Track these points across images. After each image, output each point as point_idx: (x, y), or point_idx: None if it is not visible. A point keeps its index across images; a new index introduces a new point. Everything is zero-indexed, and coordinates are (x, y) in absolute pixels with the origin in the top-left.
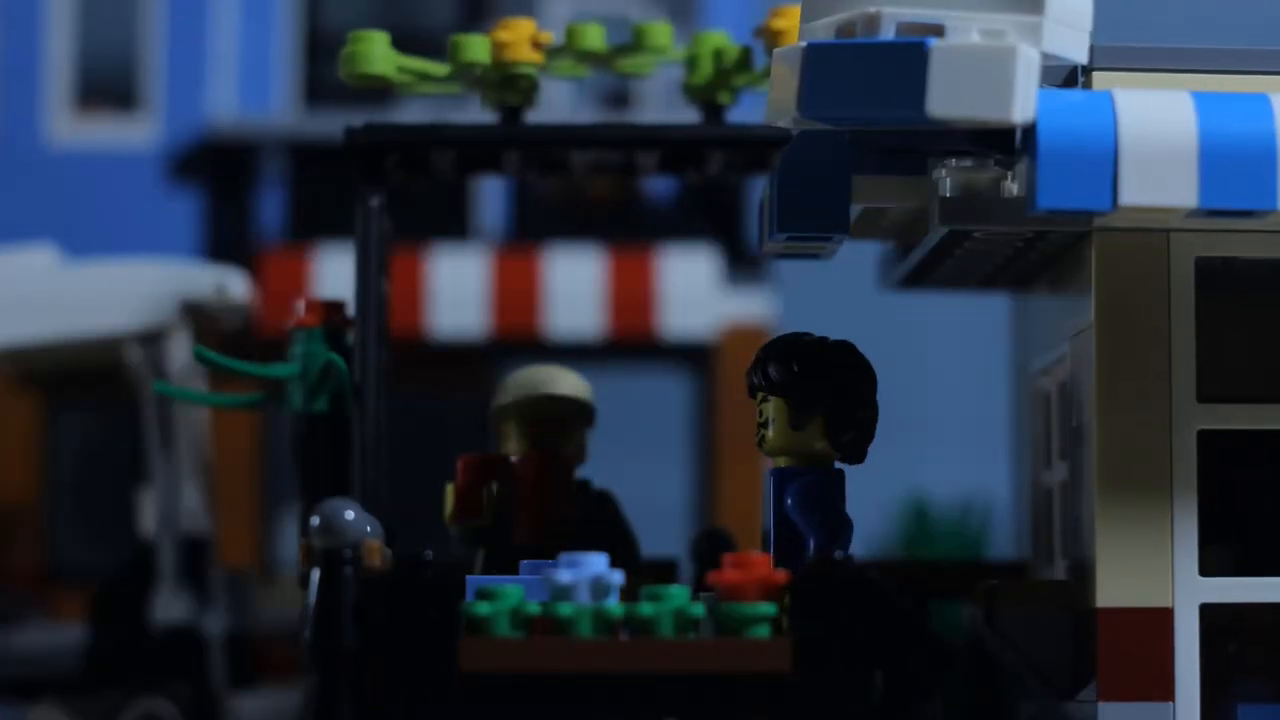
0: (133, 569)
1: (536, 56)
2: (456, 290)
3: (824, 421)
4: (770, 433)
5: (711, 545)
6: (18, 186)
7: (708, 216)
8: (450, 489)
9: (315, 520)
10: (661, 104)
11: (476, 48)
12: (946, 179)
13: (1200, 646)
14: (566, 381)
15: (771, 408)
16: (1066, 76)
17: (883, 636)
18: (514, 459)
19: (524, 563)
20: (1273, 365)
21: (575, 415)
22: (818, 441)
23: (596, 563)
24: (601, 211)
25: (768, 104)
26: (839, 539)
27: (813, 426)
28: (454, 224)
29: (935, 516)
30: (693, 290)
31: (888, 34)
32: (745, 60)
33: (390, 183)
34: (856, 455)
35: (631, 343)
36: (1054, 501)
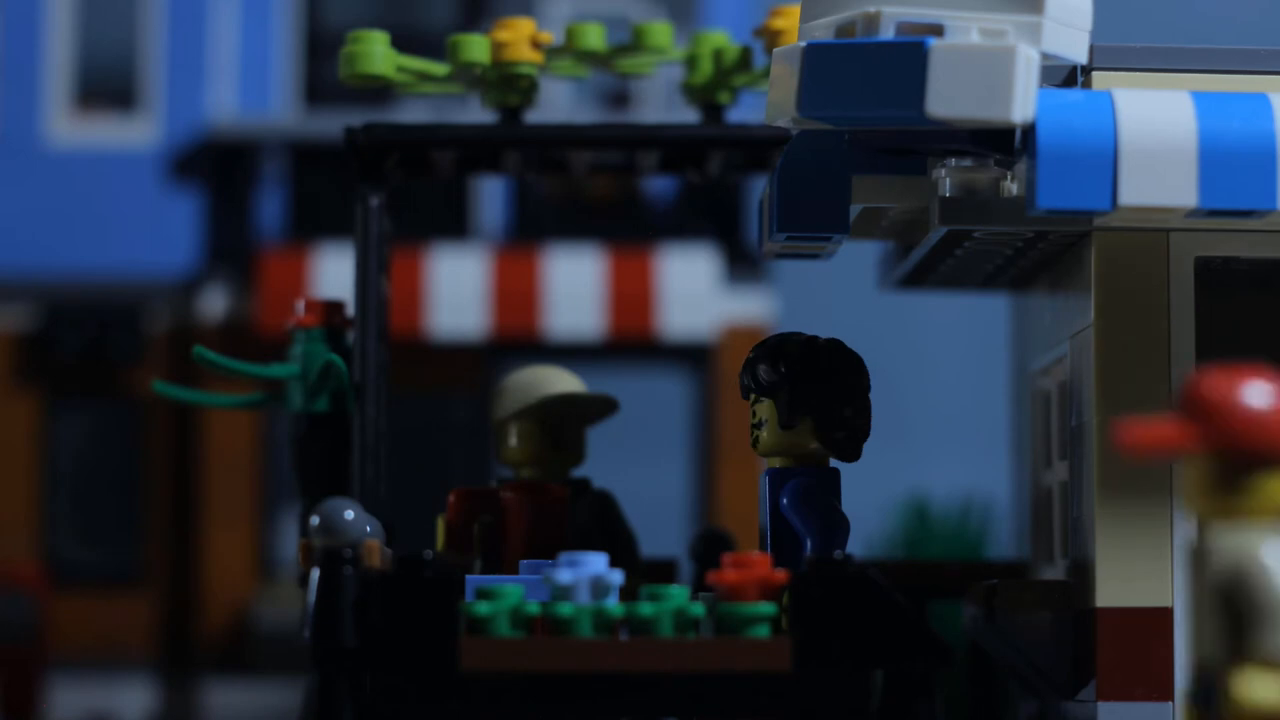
0: None
1: (536, 56)
2: (456, 290)
3: (813, 421)
4: (764, 433)
5: (711, 545)
6: (18, 186)
7: (708, 216)
8: (441, 522)
9: (315, 520)
10: (661, 104)
11: (476, 48)
12: (946, 179)
13: None
14: (571, 381)
15: (764, 409)
16: (1066, 76)
17: (883, 636)
18: (504, 494)
19: (524, 563)
20: (1273, 365)
21: (593, 413)
22: (810, 441)
23: (596, 563)
24: (601, 211)
25: (767, 104)
26: (836, 539)
27: (803, 426)
28: (454, 224)
29: (935, 516)
30: (693, 290)
31: (887, 34)
32: (745, 60)
33: (390, 183)
34: (850, 453)
35: (631, 343)
36: (1054, 501)
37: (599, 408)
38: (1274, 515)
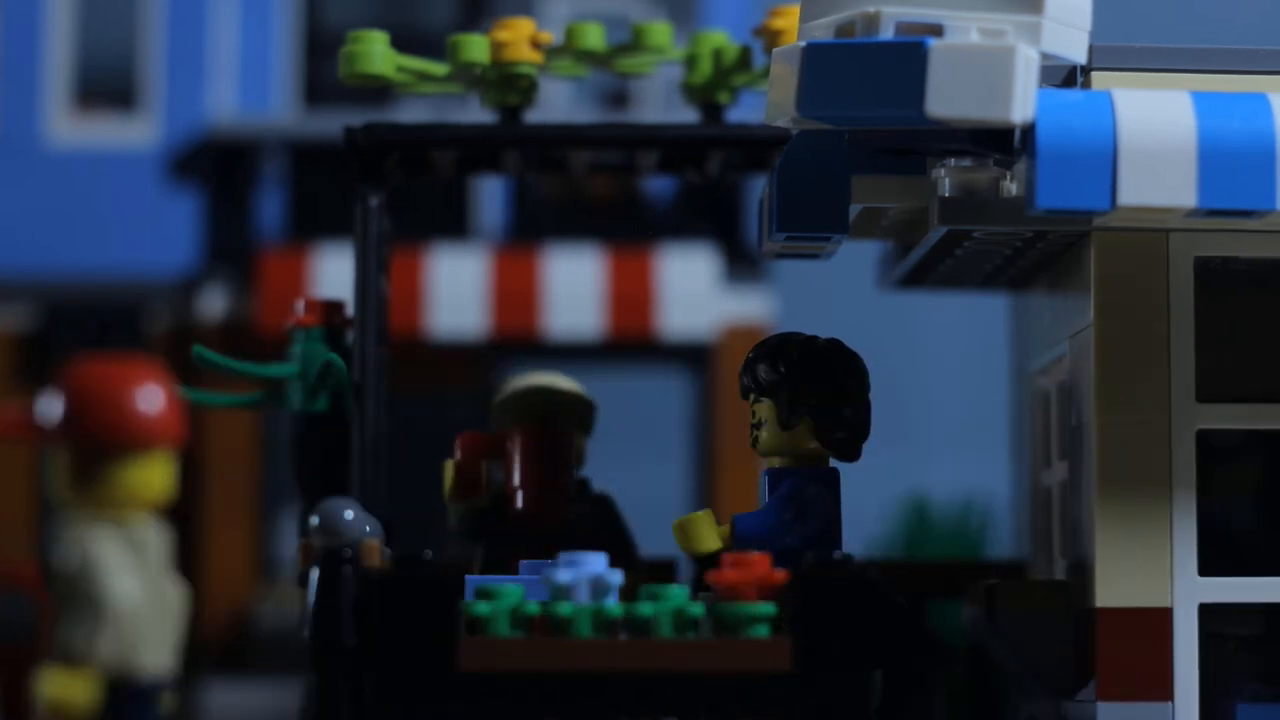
0: None
1: (536, 56)
2: (456, 290)
3: (813, 421)
4: (763, 433)
5: None
6: (18, 186)
7: (707, 216)
8: (450, 465)
9: (315, 519)
10: (661, 104)
11: (476, 48)
12: (946, 179)
13: (1200, 646)
14: (564, 382)
15: (763, 409)
16: (1066, 76)
17: (883, 636)
18: (510, 441)
19: (524, 563)
20: (1273, 365)
21: (571, 410)
22: (809, 441)
23: (596, 562)
24: (601, 211)
25: (767, 104)
26: (784, 542)
27: (803, 426)
28: (454, 224)
29: (935, 516)
30: (692, 290)
31: (887, 34)
32: (745, 60)
33: (390, 183)
34: (849, 453)
35: (631, 343)
36: (1054, 501)
37: (575, 407)
38: (119, 506)
